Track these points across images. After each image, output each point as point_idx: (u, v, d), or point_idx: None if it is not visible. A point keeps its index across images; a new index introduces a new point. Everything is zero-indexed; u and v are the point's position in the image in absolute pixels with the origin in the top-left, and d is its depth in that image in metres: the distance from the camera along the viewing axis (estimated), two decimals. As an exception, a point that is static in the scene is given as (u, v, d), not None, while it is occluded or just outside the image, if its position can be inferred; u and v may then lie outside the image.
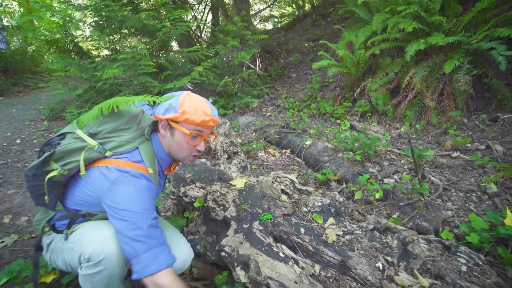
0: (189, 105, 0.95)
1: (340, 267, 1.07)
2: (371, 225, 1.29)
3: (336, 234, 1.22)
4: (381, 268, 1.07)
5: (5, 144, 3.54)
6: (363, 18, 4.46)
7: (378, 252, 1.15)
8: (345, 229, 1.26)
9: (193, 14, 6.56)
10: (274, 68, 6.25)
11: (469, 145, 2.43)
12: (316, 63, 3.63)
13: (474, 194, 1.90)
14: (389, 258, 1.12)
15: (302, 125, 3.43)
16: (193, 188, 1.60)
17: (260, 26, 11.85)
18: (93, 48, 5.41)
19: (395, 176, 2.16)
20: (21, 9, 12.84)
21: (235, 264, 1.12)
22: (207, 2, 6.67)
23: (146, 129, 1.01)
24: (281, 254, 1.10)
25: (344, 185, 2.14)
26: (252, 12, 10.34)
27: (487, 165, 2.12)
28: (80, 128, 1.02)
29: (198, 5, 6.75)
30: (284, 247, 1.16)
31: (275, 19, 9.04)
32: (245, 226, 1.26)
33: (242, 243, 1.18)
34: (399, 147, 2.74)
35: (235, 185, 1.60)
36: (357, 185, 2.03)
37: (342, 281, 1.03)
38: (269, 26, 11.49)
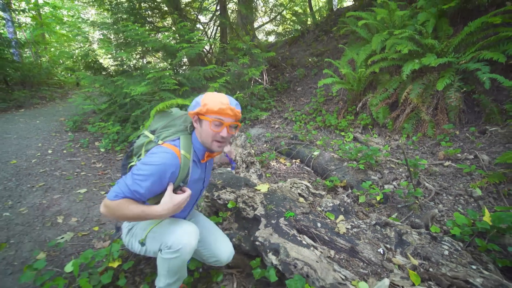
0: (209, 98, 1.20)
1: (350, 252, 1.39)
2: (373, 221, 1.61)
3: (346, 228, 1.53)
4: (381, 253, 1.39)
5: (39, 154, 3.88)
6: (364, 37, 4.86)
7: (379, 241, 1.47)
8: (353, 224, 1.58)
9: (203, 32, 7.00)
10: (280, 82, 6.63)
11: (459, 155, 2.75)
12: (321, 81, 3.99)
13: (462, 197, 2.21)
14: (388, 245, 1.44)
15: (309, 137, 3.77)
16: (225, 192, 1.92)
17: (263, 38, 12.36)
18: (113, 64, 5.81)
19: (394, 183, 2.48)
20: (33, 23, 13.39)
21: (268, 250, 1.44)
22: (216, 21, 7.12)
23: (188, 125, 1.33)
24: (304, 242, 1.42)
25: (350, 190, 2.46)
26: (256, 24, 10.84)
27: (474, 172, 2.43)
28: (146, 129, 1.37)
29: (208, 24, 7.20)
30: (305, 237, 1.47)
31: (279, 33, 9.49)
32: (273, 221, 1.58)
33: (272, 235, 1.49)
34: (398, 157, 3.06)
35: (259, 190, 1.92)
36: (361, 190, 2.35)
37: (352, 261, 1.34)
38: (271, 38, 11.99)
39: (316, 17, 8.13)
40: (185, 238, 1.19)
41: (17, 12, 10.96)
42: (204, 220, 1.57)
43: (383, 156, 2.97)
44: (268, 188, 1.92)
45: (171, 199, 1.12)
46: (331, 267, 1.27)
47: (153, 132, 1.33)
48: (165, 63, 4.56)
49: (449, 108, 3.40)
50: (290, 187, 1.96)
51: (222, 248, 1.45)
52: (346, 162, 2.86)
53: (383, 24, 4.48)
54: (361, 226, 1.57)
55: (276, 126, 4.74)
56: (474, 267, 1.26)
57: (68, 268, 1.53)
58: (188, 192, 1.20)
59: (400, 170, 2.73)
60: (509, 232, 1.56)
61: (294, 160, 3.37)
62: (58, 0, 15.56)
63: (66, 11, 16.10)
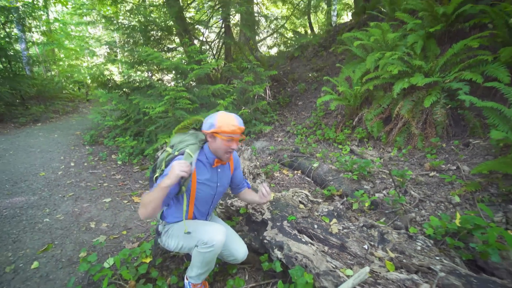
0: (223, 121, 1.53)
1: (340, 247, 1.72)
2: (361, 223, 1.94)
3: (338, 228, 1.86)
4: (366, 248, 1.71)
5: (63, 166, 4.27)
6: (359, 56, 5.26)
7: (365, 239, 1.79)
8: (344, 226, 1.91)
9: (210, 49, 7.47)
10: (282, 96, 7.03)
11: (443, 166, 3.07)
12: (320, 99, 4.37)
13: (442, 204, 2.53)
14: (371, 243, 1.76)
15: (310, 150, 4.11)
16: (236, 200, 2.27)
17: (265, 50, 12.91)
18: (125, 82, 6.26)
19: (384, 191, 2.80)
20: (44, 39, 13.96)
21: (274, 247, 1.77)
22: (221, 39, 7.59)
23: (199, 140, 1.67)
24: (303, 240, 1.75)
25: (345, 198, 2.78)
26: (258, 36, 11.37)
27: (455, 182, 2.75)
28: (167, 145, 1.73)
29: (213, 42, 7.68)
30: (304, 236, 1.80)
31: (281, 51, 9.97)
32: (277, 224, 1.91)
33: (277, 234, 1.83)
34: (390, 168, 3.38)
35: (266, 198, 2.26)
36: (354, 198, 2.68)
37: (341, 255, 1.67)
38: (273, 50, 12.54)
39: (316, 35, 8.59)
40: (218, 236, 1.53)
41: (30, 29, 11.49)
42: (222, 224, 1.91)
43: (376, 167, 3.30)
44: (273, 197, 2.26)
45: (171, 171, 1.39)
46: (325, 259, 1.60)
47: (171, 147, 1.69)
48: (176, 82, 4.98)
49: (436, 123, 3.74)
50: (292, 196, 2.30)
51: (239, 249, 1.78)
52: (342, 173, 3.20)
53: (377, 44, 4.88)
54: (350, 227, 1.90)
55: (279, 139, 5.10)
56: (438, 258, 1.58)
57: (106, 264, 1.87)
58: (186, 162, 1.46)
59: (391, 180, 3.05)
60: (474, 232, 1.88)
61: (296, 171, 3.71)
62: (68, 16, 16.30)
63: (74, 26, 16.83)
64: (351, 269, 1.53)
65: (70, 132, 6.78)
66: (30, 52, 12.29)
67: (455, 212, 2.28)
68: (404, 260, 1.59)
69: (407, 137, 3.99)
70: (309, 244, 1.72)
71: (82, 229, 2.58)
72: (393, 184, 2.90)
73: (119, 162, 4.52)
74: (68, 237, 2.44)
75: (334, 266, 1.55)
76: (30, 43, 12.39)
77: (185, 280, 1.74)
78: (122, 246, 2.33)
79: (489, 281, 1.33)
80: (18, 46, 10.78)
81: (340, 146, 4.20)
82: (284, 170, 3.79)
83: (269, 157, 4.30)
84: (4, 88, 7.36)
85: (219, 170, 1.72)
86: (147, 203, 1.40)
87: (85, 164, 4.45)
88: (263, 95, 6.55)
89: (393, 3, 6.09)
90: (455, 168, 3.01)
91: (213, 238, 1.50)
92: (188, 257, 1.97)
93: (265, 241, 1.82)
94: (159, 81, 6.55)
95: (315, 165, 3.49)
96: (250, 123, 5.47)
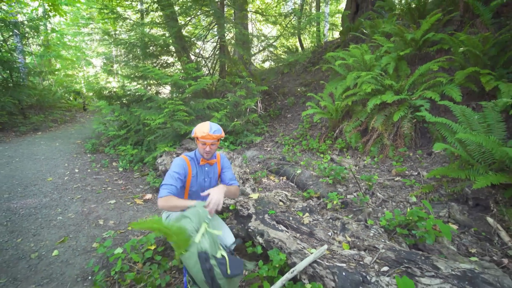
0: (198, 129, 2.00)
1: (309, 234, 2.15)
2: (328, 217, 2.38)
3: (309, 220, 2.30)
4: (330, 235, 2.15)
5: (68, 172, 4.62)
6: (341, 74, 5.83)
7: (330, 228, 2.23)
8: (314, 218, 2.35)
9: (205, 65, 7.99)
10: (273, 109, 7.54)
11: (407, 172, 3.56)
12: (304, 112, 4.87)
13: (402, 203, 2.99)
14: (334, 231, 2.20)
15: (295, 158, 4.57)
16: (227, 199, 2.69)
17: (258, 63, 13.57)
18: (125, 94, 6.68)
19: (354, 194, 3.26)
20: (41, 49, 14.21)
21: (256, 234, 2.19)
22: (216, 56, 8.13)
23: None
24: (280, 228, 2.18)
25: (321, 199, 3.23)
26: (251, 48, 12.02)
27: (414, 185, 3.23)
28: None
29: (209, 59, 8.20)
30: (281, 225, 2.23)
31: (271, 68, 10.58)
32: (260, 216, 2.34)
33: (259, 224, 2.25)
34: (360, 174, 3.86)
35: (252, 197, 2.69)
36: (329, 199, 3.12)
37: (309, 239, 2.10)
38: (266, 64, 13.20)
39: (305, 53, 9.22)
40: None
41: (28, 40, 11.71)
42: (215, 217, 2.33)
43: (351, 173, 3.76)
44: (258, 196, 2.69)
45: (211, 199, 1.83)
46: (296, 242, 2.02)
47: None
48: (174, 95, 5.43)
49: (405, 135, 4.26)
50: (274, 195, 2.74)
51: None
52: (321, 178, 3.65)
53: (357, 64, 5.46)
54: (319, 219, 2.34)
55: (268, 149, 5.56)
56: (383, 240, 2.03)
57: (117, 252, 2.26)
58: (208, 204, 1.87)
59: (362, 184, 3.52)
60: (418, 223, 2.33)
61: (281, 177, 4.15)
62: (64, 26, 16.70)
63: (71, 36, 17.25)
64: (315, 249, 1.96)
65: (70, 141, 7.12)
66: (27, 61, 12.58)
67: (407, 208, 2.75)
68: (357, 242, 2.03)
69: (380, 147, 4.49)
70: (284, 231, 2.15)
71: (92, 225, 2.95)
72: (367, 187, 3.36)
73: (120, 169, 4.89)
74: (80, 232, 2.81)
75: (302, 247, 1.97)
76: (28, 53, 12.67)
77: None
78: (129, 239, 2.71)
79: (413, 252, 1.78)
80: (15, 56, 11.09)
81: (321, 155, 4.67)
82: (271, 176, 4.23)
83: (258, 165, 4.74)
84: (7, 98, 7.69)
85: (206, 168, 2.17)
86: (172, 206, 1.81)
87: (89, 170, 4.81)
88: (254, 107, 7.05)
89: (372, 26, 6.76)
90: (416, 173, 3.50)
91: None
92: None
93: (250, 230, 2.24)
94: (158, 94, 7.00)
95: (298, 171, 3.94)
96: (242, 134, 5.92)
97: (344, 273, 1.66)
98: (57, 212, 3.20)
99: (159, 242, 2.48)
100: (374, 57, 5.24)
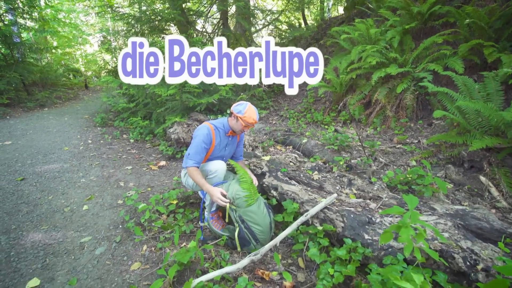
0: (248, 114, 2.19)
1: (319, 188, 2.37)
2: (336, 174, 2.60)
3: (318, 177, 2.52)
4: (338, 188, 2.37)
5: (82, 143, 4.81)
6: (346, 48, 5.88)
7: (337, 183, 2.46)
8: (323, 175, 2.56)
9: (210, 41, 7.97)
10: (277, 84, 7.61)
11: (408, 140, 3.76)
12: (310, 85, 4.99)
13: (402, 167, 3.21)
14: (342, 185, 2.43)
15: (300, 130, 4.75)
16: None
17: (260, 41, 13.42)
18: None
19: (358, 158, 3.47)
20: (36, 26, 13.80)
21: (271, 189, 2.41)
22: (219, 31, 8.08)
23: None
24: (292, 183, 2.40)
25: (327, 164, 3.44)
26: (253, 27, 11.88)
27: (414, 151, 3.44)
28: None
29: (212, 33, 8.16)
30: (293, 181, 2.45)
31: (276, 40, 10.49)
32: (273, 174, 2.55)
33: (273, 180, 2.47)
34: (363, 141, 4.05)
35: (264, 159, 2.90)
36: (335, 163, 3.34)
37: (320, 192, 2.33)
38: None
39: (309, 29, 9.14)
40: (218, 165, 2.19)
41: (23, 15, 11.28)
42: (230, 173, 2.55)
43: (354, 141, 3.96)
44: (269, 158, 2.90)
45: (213, 191, 2.05)
46: (307, 193, 2.25)
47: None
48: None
49: (407, 106, 4.42)
50: (284, 157, 2.94)
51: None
52: (326, 146, 3.85)
53: (361, 38, 5.50)
54: (328, 177, 2.56)
55: (274, 122, 5.72)
56: (386, 192, 2.25)
57: (140, 207, 2.49)
58: (225, 200, 2.08)
59: (365, 151, 3.73)
60: (418, 180, 2.55)
61: (287, 147, 4.35)
62: (58, 2, 16.15)
63: (65, 13, 16.77)
64: (324, 198, 2.19)
65: (78, 116, 7.26)
66: (23, 38, 12.30)
67: (407, 170, 2.97)
68: (363, 194, 2.25)
69: (383, 119, 4.66)
70: (297, 185, 2.37)
71: (114, 187, 3.17)
72: (369, 153, 3.57)
73: (132, 140, 5.08)
74: (104, 191, 3.04)
75: (314, 198, 2.20)
76: (22, 29, 12.36)
77: (205, 212, 2.37)
78: (150, 197, 2.94)
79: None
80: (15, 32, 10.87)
81: (326, 127, 4.85)
82: (277, 146, 4.43)
83: (265, 136, 4.92)
84: (13, 74, 7.71)
85: (230, 138, 2.38)
86: (194, 179, 2.07)
87: (101, 141, 4.99)
88: (259, 83, 7.13)
89: (378, 1, 6.70)
90: (417, 141, 3.70)
91: (216, 167, 2.17)
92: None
93: (264, 185, 2.46)
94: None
95: (304, 141, 4.14)
96: (247, 108, 6.05)
97: (352, 215, 1.90)
98: (79, 176, 3.42)
99: (180, 198, 2.71)
100: (379, 31, 5.28)
